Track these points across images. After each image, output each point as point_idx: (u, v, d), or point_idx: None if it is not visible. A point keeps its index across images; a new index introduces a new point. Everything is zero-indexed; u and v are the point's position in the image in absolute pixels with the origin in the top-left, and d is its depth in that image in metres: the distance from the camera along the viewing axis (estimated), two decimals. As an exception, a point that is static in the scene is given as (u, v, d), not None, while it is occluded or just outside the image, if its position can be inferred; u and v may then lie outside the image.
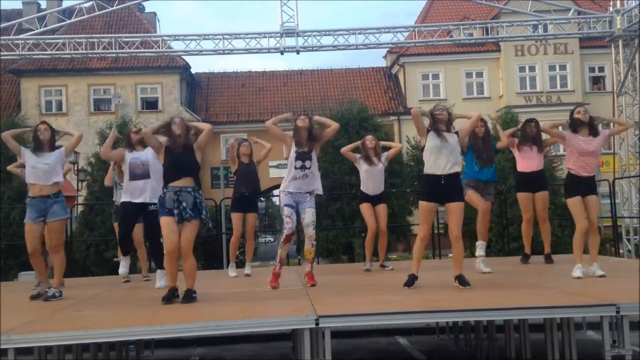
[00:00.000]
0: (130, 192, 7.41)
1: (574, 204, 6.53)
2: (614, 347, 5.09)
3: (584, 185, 6.55)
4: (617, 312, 4.83)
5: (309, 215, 6.68)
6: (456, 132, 6.29)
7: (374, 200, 8.33)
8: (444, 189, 6.12)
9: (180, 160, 5.94)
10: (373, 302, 5.61)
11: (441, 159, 6.10)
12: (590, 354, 6.15)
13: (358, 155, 8.39)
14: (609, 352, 4.88)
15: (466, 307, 5.18)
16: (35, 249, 6.44)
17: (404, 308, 5.20)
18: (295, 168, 6.61)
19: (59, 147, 6.71)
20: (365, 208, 8.32)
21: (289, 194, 6.70)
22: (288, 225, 6.63)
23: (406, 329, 8.97)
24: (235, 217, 8.41)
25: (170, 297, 5.81)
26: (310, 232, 6.73)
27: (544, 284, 6.25)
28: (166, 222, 5.76)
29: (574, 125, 6.58)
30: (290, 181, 6.67)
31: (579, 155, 6.53)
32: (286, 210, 6.66)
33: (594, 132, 6.55)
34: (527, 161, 7.97)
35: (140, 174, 7.40)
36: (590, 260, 6.64)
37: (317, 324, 4.68)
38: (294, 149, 6.63)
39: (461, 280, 6.11)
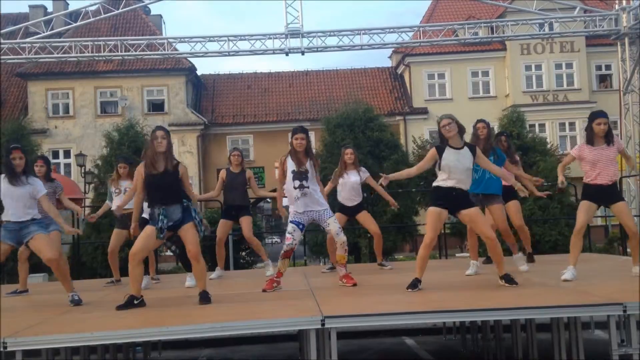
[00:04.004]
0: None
1: (581, 204, 6.50)
2: (622, 346, 5.07)
3: (603, 194, 6.41)
4: (624, 311, 4.80)
5: (332, 224, 6.64)
6: (473, 146, 6.23)
7: (351, 210, 8.36)
8: (456, 199, 6.13)
9: (163, 183, 5.80)
10: (379, 303, 5.60)
11: (457, 175, 6.09)
12: (597, 354, 6.13)
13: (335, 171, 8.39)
14: (617, 351, 4.86)
15: (473, 307, 5.17)
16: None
17: (410, 308, 5.20)
18: (295, 188, 6.59)
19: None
20: (336, 217, 8.35)
21: (299, 214, 6.64)
22: (288, 241, 6.61)
23: (413, 330, 8.97)
24: (222, 223, 8.39)
25: (129, 303, 5.73)
26: (340, 238, 6.66)
27: (550, 284, 6.23)
28: (150, 231, 5.78)
29: (592, 136, 6.39)
30: (295, 201, 6.64)
31: (596, 166, 6.38)
32: (289, 227, 6.62)
33: (608, 141, 6.39)
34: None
35: None
36: (634, 262, 6.55)
37: (323, 324, 4.68)
38: (290, 169, 6.60)
39: (508, 279, 6.07)
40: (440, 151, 6.15)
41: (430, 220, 6.16)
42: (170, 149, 5.92)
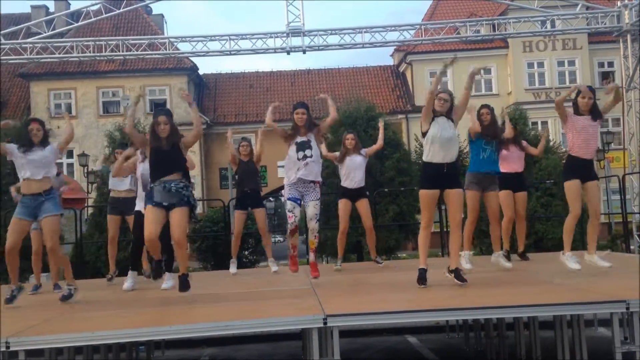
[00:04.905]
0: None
1: (570, 187, 6.48)
2: (625, 343, 5.06)
3: (583, 169, 6.49)
4: (627, 308, 4.79)
5: (311, 208, 6.81)
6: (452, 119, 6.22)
7: (353, 194, 8.38)
8: (446, 176, 6.11)
9: (167, 156, 6.00)
10: (381, 301, 5.60)
11: (444, 148, 6.07)
12: (601, 351, 6.11)
13: (337, 154, 8.49)
14: (620, 348, 4.84)
15: (476, 305, 5.16)
16: (15, 246, 6.32)
17: (413, 307, 5.19)
18: (298, 159, 6.73)
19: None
20: (342, 205, 8.41)
21: (292, 185, 6.80)
22: (290, 219, 6.81)
23: (416, 328, 8.96)
24: (238, 214, 8.60)
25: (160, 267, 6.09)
26: (312, 225, 6.86)
27: (553, 281, 6.22)
28: (151, 211, 5.91)
29: (577, 108, 6.50)
30: (294, 173, 6.77)
31: (580, 134, 6.43)
32: (289, 204, 6.80)
33: (594, 116, 6.48)
34: (509, 163, 8.02)
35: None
36: (590, 249, 6.57)
37: (325, 323, 4.68)
38: (293, 141, 6.75)
39: (457, 275, 6.06)
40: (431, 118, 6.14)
41: (423, 203, 6.18)
42: (174, 131, 6.04)
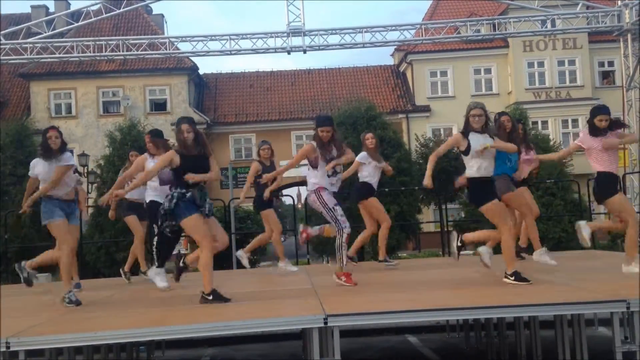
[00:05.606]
0: (160, 191, 7.38)
1: (621, 198, 6.44)
2: (625, 343, 5.05)
3: (617, 183, 6.53)
4: (628, 307, 4.79)
5: None
6: (492, 136, 6.22)
7: (373, 192, 8.48)
8: (493, 189, 6.21)
9: (199, 164, 5.90)
10: (382, 301, 5.60)
11: (488, 161, 6.07)
12: (601, 351, 6.11)
13: (366, 159, 8.38)
14: (620, 348, 4.84)
15: (476, 305, 5.16)
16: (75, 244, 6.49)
17: (413, 306, 5.18)
18: (328, 176, 6.64)
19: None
20: (374, 202, 8.39)
21: (330, 192, 6.67)
22: (346, 224, 6.58)
23: (416, 327, 8.96)
24: (271, 212, 8.64)
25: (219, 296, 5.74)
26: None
27: (554, 281, 6.22)
28: (200, 220, 5.78)
29: (594, 130, 6.45)
30: (330, 186, 6.72)
31: (602, 153, 6.42)
32: (339, 209, 6.60)
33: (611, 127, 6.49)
34: (529, 165, 7.99)
35: (166, 179, 7.38)
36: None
37: (325, 323, 4.67)
38: (322, 157, 6.61)
39: (519, 277, 5.99)
40: (466, 136, 6.06)
41: (502, 212, 6.10)
42: (200, 137, 5.90)
